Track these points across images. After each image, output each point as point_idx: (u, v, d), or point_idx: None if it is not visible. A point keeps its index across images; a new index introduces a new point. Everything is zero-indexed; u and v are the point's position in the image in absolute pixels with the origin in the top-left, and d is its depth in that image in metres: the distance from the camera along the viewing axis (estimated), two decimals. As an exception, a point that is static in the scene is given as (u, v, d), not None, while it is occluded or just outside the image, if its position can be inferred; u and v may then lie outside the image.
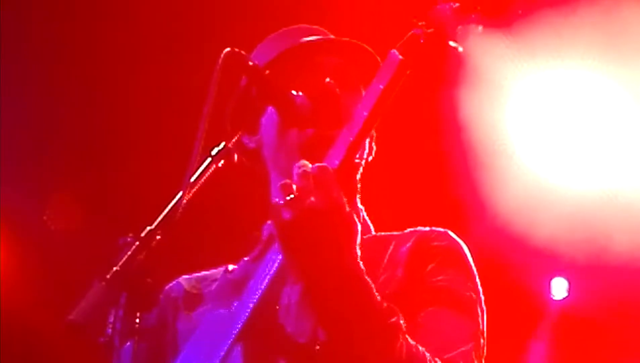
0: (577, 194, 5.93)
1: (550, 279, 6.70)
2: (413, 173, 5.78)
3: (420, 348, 2.18)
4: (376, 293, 2.14)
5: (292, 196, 2.08)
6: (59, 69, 5.73)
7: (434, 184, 5.85)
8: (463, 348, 2.28)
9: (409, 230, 2.52)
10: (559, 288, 6.71)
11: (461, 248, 2.48)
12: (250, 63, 2.39)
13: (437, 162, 5.70)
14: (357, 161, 2.51)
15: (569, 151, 5.84)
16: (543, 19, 4.87)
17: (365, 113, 2.21)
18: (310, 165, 2.11)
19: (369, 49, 2.66)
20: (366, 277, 2.13)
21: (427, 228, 2.49)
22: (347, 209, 2.10)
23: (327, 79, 2.49)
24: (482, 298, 2.42)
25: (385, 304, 2.14)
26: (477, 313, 2.38)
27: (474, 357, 2.30)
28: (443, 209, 5.52)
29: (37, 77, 5.78)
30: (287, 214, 2.08)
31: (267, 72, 2.43)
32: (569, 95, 5.59)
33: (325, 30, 2.72)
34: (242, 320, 2.24)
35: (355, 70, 2.62)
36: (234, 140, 2.40)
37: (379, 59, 2.63)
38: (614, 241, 5.85)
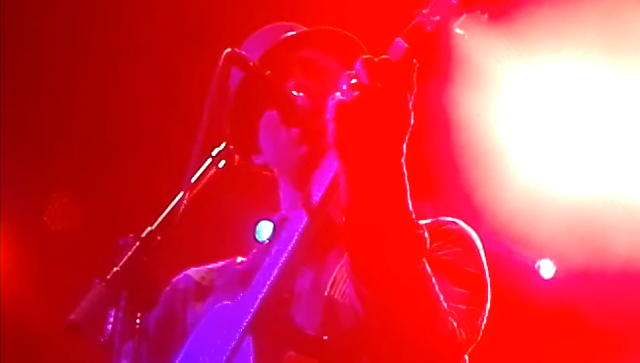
0: (577, 194, 5.93)
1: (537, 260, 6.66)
2: (411, 172, 5.77)
3: (433, 278, 2.16)
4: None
5: (353, 81, 2.07)
6: (58, 69, 5.74)
7: (431, 185, 5.85)
8: (460, 306, 2.27)
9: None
10: (547, 268, 6.67)
11: (470, 232, 2.50)
12: (251, 64, 2.39)
13: (435, 162, 5.70)
14: None
15: (568, 151, 5.84)
16: (543, 18, 4.87)
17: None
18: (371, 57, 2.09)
19: (346, 32, 2.68)
20: (406, 180, 2.12)
21: (435, 218, 2.50)
22: (407, 103, 2.08)
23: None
24: (487, 279, 2.42)
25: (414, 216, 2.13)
26: (477, 289, 2.38)
27: (466, 317, 2.28)
28: (440, 209, 5.51)
29: (37, 77, 5.78)
30: (348, 95, 2.07)
31: (268, 72, 2.44)
32: (568, 95, 5.59)
33: (301, 26, 2.73)
34: (251, 312, 2.24)
35: (330, 57, 2.64)
36: (229, 146, 2.39)
37: (358, 40, 2.66)
38: (613, 241, 5.85)
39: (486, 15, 2.21)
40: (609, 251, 5.90)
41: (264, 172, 2.72)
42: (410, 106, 2.09)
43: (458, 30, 2.20)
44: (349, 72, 2.10)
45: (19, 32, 5.62)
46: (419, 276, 2.12)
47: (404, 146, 2.11)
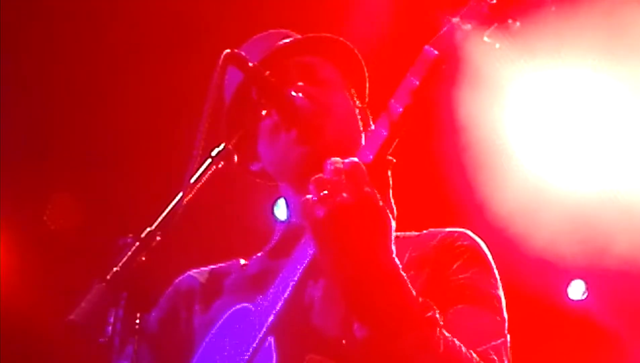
0: (577, 195, 5.93)
1: (569, 281, 6.68)
2: (412, 173, 5.79)
3: (456, 341, 2.18)
4: (411, 288, 2.13)
5: (324, 192, 2.07)
6: (59, 69, 5.73)
7: (433, 185, 5.85)
8: (494, 343, 2.30)
9: (426, 231, 2.55)
10: (577, 289, 6.68)
11: (482, 247, 2.51)
12: (250, 64, 2.39)
13: (436, 162, 5.70)
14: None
15: (569, 151, 5.84)
16: (544, 18, 4.87)
17: (400, 109, 2.20)
18: (341, 161, 2.10)
19: (342, 40, 2.69)
20: (402, 272, 2.13)
21: (447, 229, 2.51)
22: (380, 204, 2.09)
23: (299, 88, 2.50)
24: (503, 295, 2.44)
25: (420, 299, 2.14)
26: (502, 309, 2.40)
27: (503, 351, 2.31)
28: (442, 209, 5.52)
29: (37, 77, 5.78)
30: (320, 211, 2.07)
31: (267, 73, 2.44)
32: (568, 95, 5.59)
33: (295, 33, 2.74)
34: (274, 313, 2.25)
35: (327, 63, 2.65)
36: (228, 147, 2.38)
37: (353, 48, 2.67)
38: (615, 242, 5.85)
39: (517, 24, 2.21)
40: (610, 251, 5.90)
41: (258, 180, 2.72)
42: (384, 209, 2.08)
43: (487, 39, 2.20)
44: (317, 176, 2.09)
45: (19, 33, 5.61)
46: (442, 354, 2.13)
47: (392, 244, 2.11)
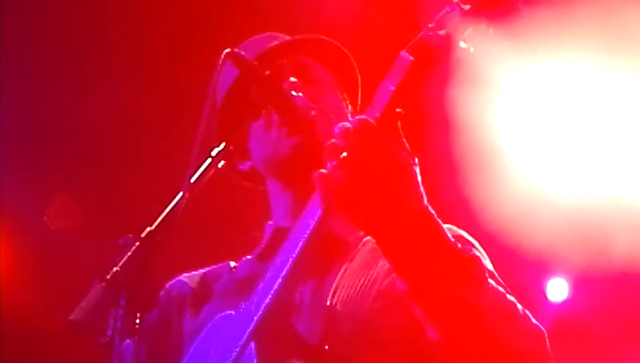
0: (576, 196, 5.94)
1: (547, 281, 6.69)
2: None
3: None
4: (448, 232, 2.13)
5: (340, 156, 2.05)
6: (59, 69, 5.74)
7: (432, 184, 5.85)
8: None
9: None
10: (558, 290, 6.70)
11: (470, 238, 2.51)
12: (250, 63, 2.39)
13: (435, 162, 5.70)
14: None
15: (567, 152, 5.85)
16: (542, 18, 4.87)
17: (377, 114, 2.19)
18: (348, 123, 2.08)
19: (334, 41, 2.70)
20: (437, 219, 2.12)
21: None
22: (399, 153, 2.08)
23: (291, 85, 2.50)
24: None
25: (458, 243, 2.14)
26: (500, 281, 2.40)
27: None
28: (440, 209, 5.51)
29: (37, 77, 5.78)
30: (340, 176, 2.05)
31: (267, 72, 2.44)
32: (568, 96, 5.59)
33: (287, 36, 2.74)
34: (255, 319, 2.23)
35: (319, 64, 2.66)
36: (222, 147, 2.38)
37: (344, 49, 2.67)
38: (613, 243, 5.85)
39: (491, 30, 2.23)
40: (610, 252, 5.90)
41: (246, 183, 2.72)
42: (403, 156, 2.08)
43: (463, 44, 2.21)
44: (331, 142, 2.07)
45: (18, 33, 5.62)
46: (490, 292, 2.13)
47: (421, 188, 2.11)
